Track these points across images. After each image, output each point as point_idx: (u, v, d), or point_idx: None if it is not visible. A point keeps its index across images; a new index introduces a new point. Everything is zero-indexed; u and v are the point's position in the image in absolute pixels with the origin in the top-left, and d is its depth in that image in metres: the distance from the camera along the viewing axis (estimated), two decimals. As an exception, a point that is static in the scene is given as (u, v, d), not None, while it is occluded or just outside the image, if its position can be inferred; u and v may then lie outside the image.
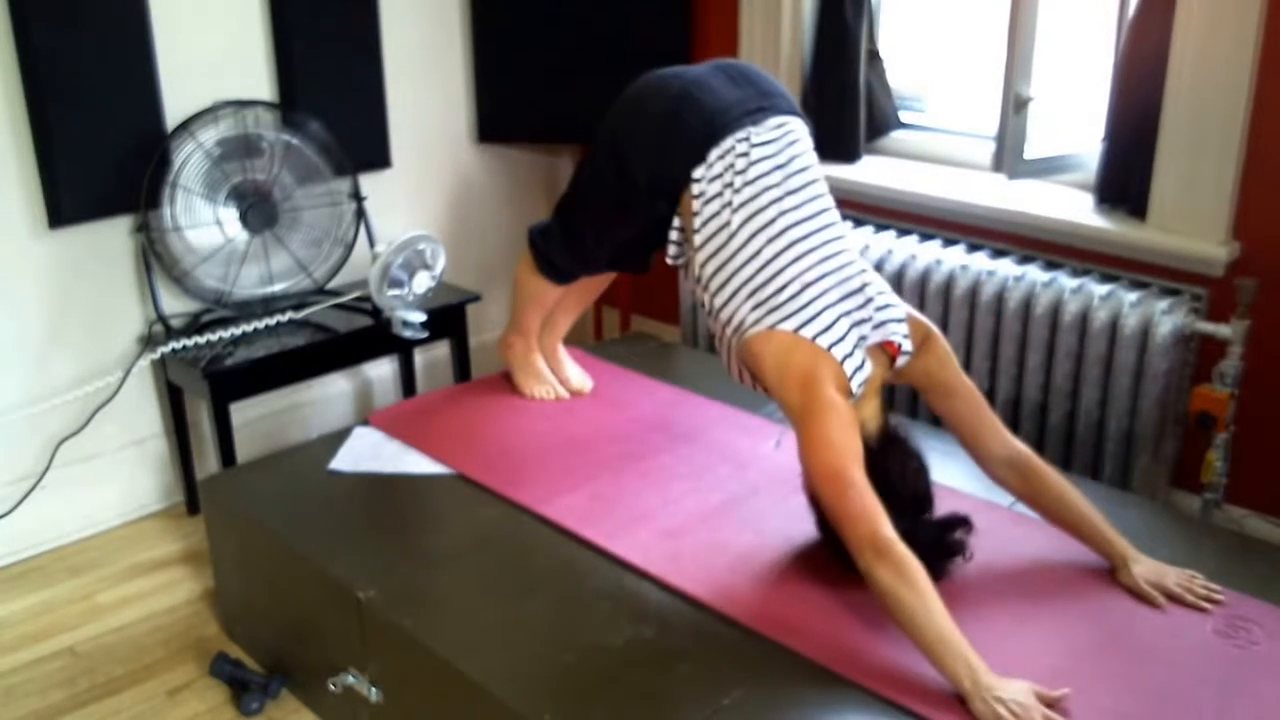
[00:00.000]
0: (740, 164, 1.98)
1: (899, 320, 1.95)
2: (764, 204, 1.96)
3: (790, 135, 2.04)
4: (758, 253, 1.94)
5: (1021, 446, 1.98)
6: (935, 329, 2.02)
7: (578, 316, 2.68)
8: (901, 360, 1.96)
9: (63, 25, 2.48)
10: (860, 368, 1.89)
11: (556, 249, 2.39)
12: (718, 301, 1.98)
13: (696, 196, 2.00)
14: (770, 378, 1.90)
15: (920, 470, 1.93)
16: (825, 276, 1.93)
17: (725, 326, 1.98)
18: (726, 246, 1.97)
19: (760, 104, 2.05)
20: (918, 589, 1.67)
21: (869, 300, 1.93)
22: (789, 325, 1.89)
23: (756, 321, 1.92)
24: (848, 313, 1.91)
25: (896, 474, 1.88)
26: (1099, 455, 2.52)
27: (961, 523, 1.89)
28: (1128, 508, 2.17)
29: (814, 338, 1.87)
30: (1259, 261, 2.37)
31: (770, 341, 1.90)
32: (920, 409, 2.76)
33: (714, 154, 2.00)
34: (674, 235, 2.09)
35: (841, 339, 1.88)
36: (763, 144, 2.00)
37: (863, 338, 1.92)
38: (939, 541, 1.87)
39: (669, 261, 2.11)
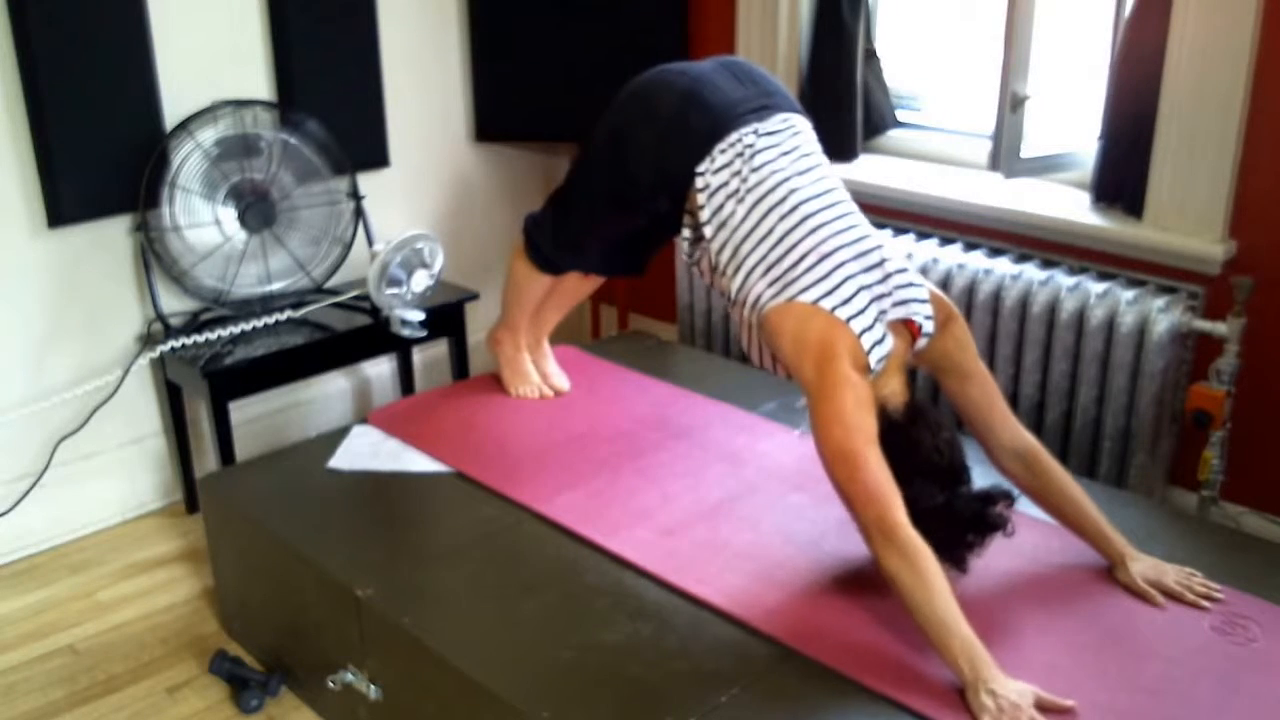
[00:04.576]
0: (747, 153, 1.98)
1: (922, 300, 1.90)
2: (773, 185, 1.95)
3: (795, 130, 2.05)
4: (771, 230, 1.92)
5: (1030, 438, 1.97)
6: (957, 310, 1.98)
7: (567, 312, 2.67)
8: (922, 341, 1.92)
9: (62, 25, 2.48)
10: (880, 342, 1.85)
11: (548, 238, 2.39)
12: (735, 284, 1.96)
13: (702, 190, 2.00)
14: (787, 350, 1.87)
15: (952, 439, 1.88)
16: (842, 248, 1.89)
17: (744, 308, 1.96)
18: (739, 230, 1.96)
19: (764, 102, 2.05)
20: (924, 576, 1.66)
21: (888, 275, 1.89)
22: (807, 297, 1.85)
23: (775, 296, 1.89)
24: (867, 286, 1.87)
25: (929, 445, 1.83)
26: (1096, 453, 2.52)
27: (1003, 496, 1.84)
28: (1124, 505, 2.17)
29: (833, 309, 1.83)
30: (1255, 260, 2.38)
31: (789, 313, 1.87)
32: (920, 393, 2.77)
33: (719, 149, 2.00)
34: (686, 233, 2.09)
35: (861, 311, 1.84)
36: (769, 134, 2.00)
37: (882, 312, 1.88)
38: (980, 515, 1.82)
39: (684, 259, 2.11)
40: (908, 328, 1.90)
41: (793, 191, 1.94)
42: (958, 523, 1.81)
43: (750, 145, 1.98)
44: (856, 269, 1.88)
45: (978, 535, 1.83)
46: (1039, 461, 1.96)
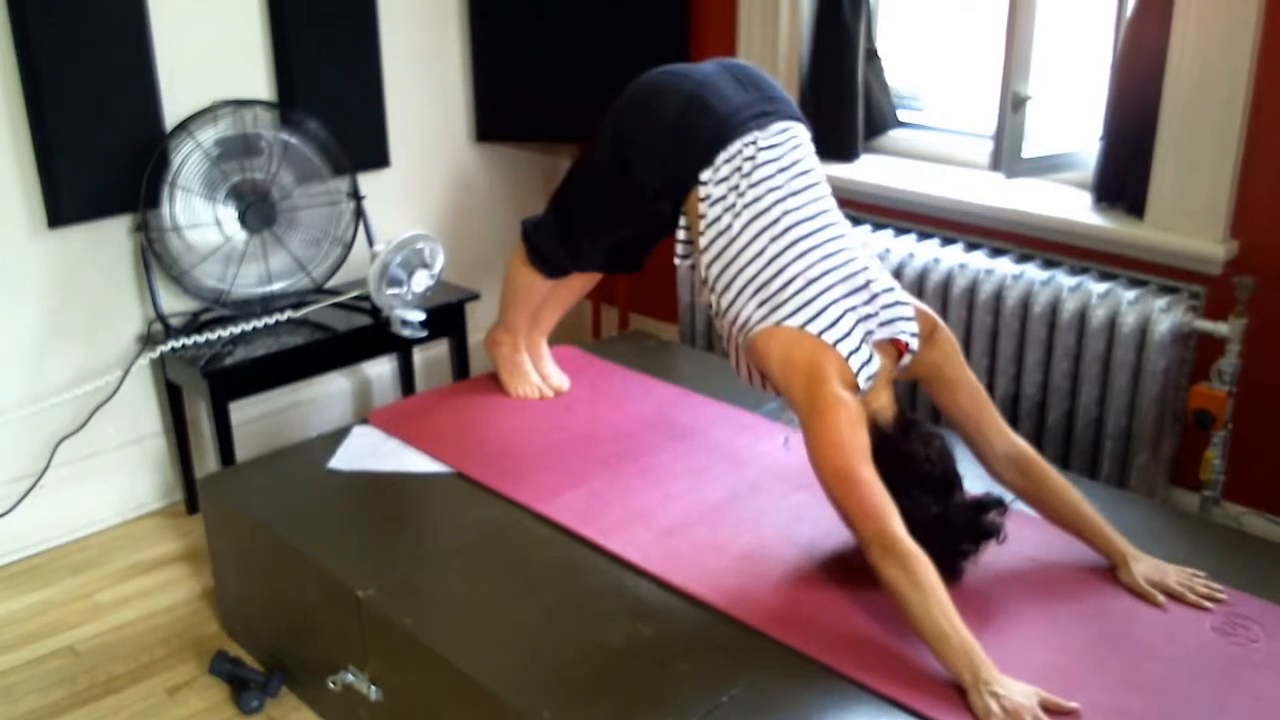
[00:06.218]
0: (746, 167, 1.99)
1: (908, 319, 1.94)
2: (768, 204, 1.96)
3: (794, 140, 2.05)
4: (762, 251, 1.95)
5: (1023, 444, 1.98)
6: (941, 322, 2.01)
7: (566, 311, 2.67)
8: (908, 358, 1.96)
9: (62, 25, 2.48)
10: (868, 362, 1.88)
11: (549, 241, 2.39)
12: (724, 301, 1.99)
13: (703, 199, 2.01)
14: (776, 374, 1.90)
15: (944, 449, 1.91)
16: (829, 273, 1.92)
17: (732, 326, 1.99)
18: (731, 246, 1.97)
19: (766, 108, 2.06)
20: (923, 584, 1.67)
21: (874, 296, 1.93)
22: (794, 321, 1.88)
23: (762, 319, 1.92)
24: (853, 308, 1.91)
25: (920, 455, 1.87)
26: (1097, 453, 2.52)
27: (996, 504, 1.88)
28: (1126, 506, 2.17)
29: (819, 333, 1.86)
30: (1256, 260, 2.38)
31: (775, 338, 1.90)
32: (918, 404, 2.77)
33: (721, 158, 2.00)
34: (681, 235, 2.09)
35: (847, 334, 1.88)
36: (768, 148, 2.01)
37: (869, 333, 1.91)
38: (974, 524, 1.86)
39: (676, 262, 2.12)
40: (894, 345, 1.94)
41: (787, 213, 1.96)
42: (952, 532, 1.83)
43: (750, 158, 1.99)
44: (843, 292, 1.91)
45: (972, 543, 1.87)
46: (1033, 466, 1.97)
